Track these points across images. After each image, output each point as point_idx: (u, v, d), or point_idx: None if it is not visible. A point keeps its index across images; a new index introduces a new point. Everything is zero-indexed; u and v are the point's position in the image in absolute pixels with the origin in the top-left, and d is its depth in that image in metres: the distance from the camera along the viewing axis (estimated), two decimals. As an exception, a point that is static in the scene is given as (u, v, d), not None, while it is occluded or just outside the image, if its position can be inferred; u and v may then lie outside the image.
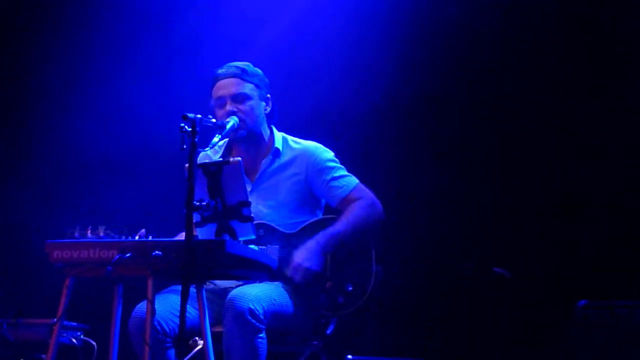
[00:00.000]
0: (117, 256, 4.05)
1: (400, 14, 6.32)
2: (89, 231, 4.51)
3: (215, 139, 4.39)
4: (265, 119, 4.93)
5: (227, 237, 4.13)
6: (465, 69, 6.23)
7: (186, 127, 4.03)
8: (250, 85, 4.85)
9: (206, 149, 4.31)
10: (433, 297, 6.09)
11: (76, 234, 4.48)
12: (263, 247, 4.69)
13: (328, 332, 4.75)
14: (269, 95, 4.94)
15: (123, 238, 4.48)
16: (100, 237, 4.49)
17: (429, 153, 6.28)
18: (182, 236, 4.01)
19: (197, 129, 4.06)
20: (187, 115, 4.05)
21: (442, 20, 6.24)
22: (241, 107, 4.81)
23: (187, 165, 4.02)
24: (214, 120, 4.29)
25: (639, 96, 5.80)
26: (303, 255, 4.63)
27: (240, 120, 4.76)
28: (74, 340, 5.64)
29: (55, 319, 4.21)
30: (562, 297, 5.14)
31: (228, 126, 4.55)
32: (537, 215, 5.98)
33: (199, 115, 4.10)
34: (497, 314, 5.84)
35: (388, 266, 4.78)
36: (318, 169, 4.90)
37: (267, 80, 4.96)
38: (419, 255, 6.12)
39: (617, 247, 5.68)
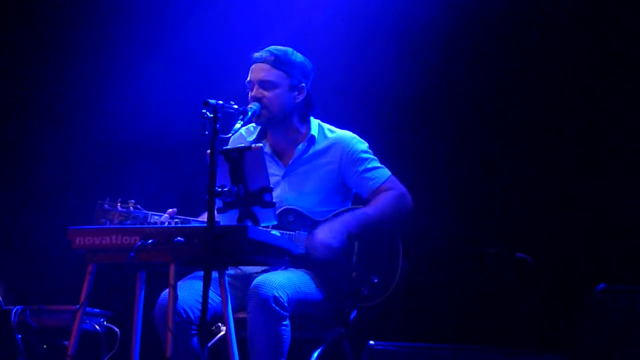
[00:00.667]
0: (139, 242, 4.03)
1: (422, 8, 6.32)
2: (119, 204, 4.54)
3: (237, 125, 4.39)
4: (296, 107, 4.89)
5: (249, 223, 4.13)
6: (485, 60, 6.21)
7: (208, 113, 4.03)
8: (280, 73, 4.83)
9: (229, 134, 4.29)
10: (456, 282, 6.07)
11: (106, 206, 4.51)
12: (292, 232, 4.70)
13: (351, 319, 4.76)
14: (303, 85, 4.89)
15: (151, 213, 4.51)
16: (130, 211, 4.52)
17: (452, 141, 6.26)
18: (205, 217, 4.00)
19: (219, 115, 4.05)
20: (208, 102, 4.04)
21: (465, 14, 6.23)
22: (266, 93, 4.80)
23: (209, 151, 4.02)
24: (235, 106, 4.29)
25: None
26: (325, 232, 4.63)
27: (263, 106, 4.76)
28: (96, 327, 5.64)
29: (78, 306, 4.21)
30: (584, 282, 5.12)
31: (249, 113, 4.54)
32: (558, 200, 5.95)
33: (221, 102, 4.10)
34: (519, 298, 5.83)
35: (412, 253, 4.78)
36: (352, 159, 4.89)
37: (308, 68, 4.92)
38: (443, 242, 6.11)
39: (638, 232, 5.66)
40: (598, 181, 5.82)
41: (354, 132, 5.01)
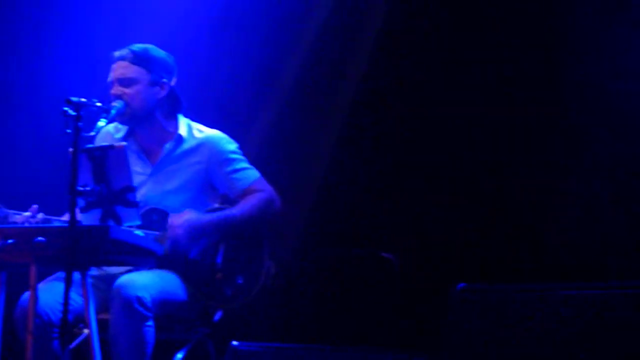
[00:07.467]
0: (-1, 242, 3.96)
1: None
2: (-23, 206, 4.45)
3: (101, 123, 4.34)
4: (159, 104, 4.86)
5: (111, 223, 4.08)
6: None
7: (70, 111, 3.97)
8: (139, 69, 4.79)
9: (91, 132, 4.23)
10: (321, 282, 6.11)
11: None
12: (156, 232, 4.66)
13: (215, 319, 4.75)
14: (165, 80, 4.85)
15: (12, 212, 4.42)
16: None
17: (321, 140, 6.29)
18: (68, 216, 3.94)
19: (81, 113, 3.99)
20: (70, 99, 3.99)
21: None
22: (126, 90, 4.76)
23: (71, 149, 3.96)
24: (99, 104, 4.23)
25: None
26: (181, 224, 4.60)
27: (125, 104, 4.72)
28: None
29: None
30: (448, 281, 5.22)
31: (113, 111, 4.50)
32: (421, 200, 6.02)
33: (84, 99, 4.04)
34: (384, 298, 5.89)
35: (278, 254, 4.79)
36: (220, 159, 4.87)
37: (170, 64, 4.89)
38: (308, 242, 6.14)
39: (499, 232, 5.77)
40: (460, 181, 5.92)
41: (224, 132, 4.99)
